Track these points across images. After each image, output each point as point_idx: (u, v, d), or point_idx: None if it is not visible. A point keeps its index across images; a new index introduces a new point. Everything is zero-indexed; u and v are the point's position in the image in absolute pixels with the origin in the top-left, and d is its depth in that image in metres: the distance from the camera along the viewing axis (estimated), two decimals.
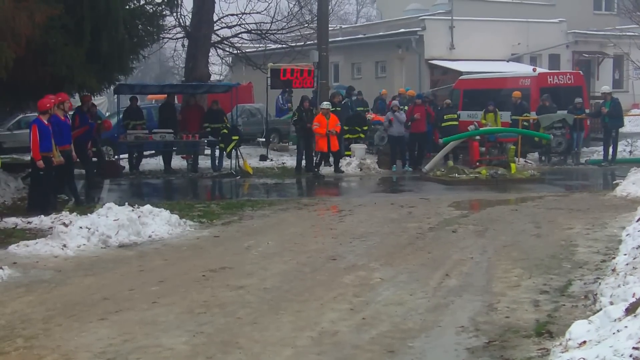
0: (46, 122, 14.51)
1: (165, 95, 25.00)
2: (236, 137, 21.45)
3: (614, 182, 18.05)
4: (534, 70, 27.17)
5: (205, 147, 23.08)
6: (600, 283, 8.44)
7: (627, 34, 36.03)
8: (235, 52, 28.81)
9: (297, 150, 22.91)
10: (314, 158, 22.01)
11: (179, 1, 22.77)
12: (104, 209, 12.45)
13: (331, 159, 22.21)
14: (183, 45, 26.81)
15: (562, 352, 6.04)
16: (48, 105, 14.62)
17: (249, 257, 10.99)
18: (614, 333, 5.68)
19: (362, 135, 23.89)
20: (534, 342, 7.07)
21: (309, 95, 24.33)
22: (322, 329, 7.59)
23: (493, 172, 20.03)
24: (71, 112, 17.90)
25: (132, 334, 7.45)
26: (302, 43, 28.31)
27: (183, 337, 7.32)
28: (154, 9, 19.99)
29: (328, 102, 22.54)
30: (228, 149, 21.43)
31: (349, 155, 22.90)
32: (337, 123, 21.83)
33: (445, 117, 24.03)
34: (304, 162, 22.35)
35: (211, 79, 28.21)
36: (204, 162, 22.85)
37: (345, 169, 22.17)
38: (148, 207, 13.05)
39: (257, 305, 8.42)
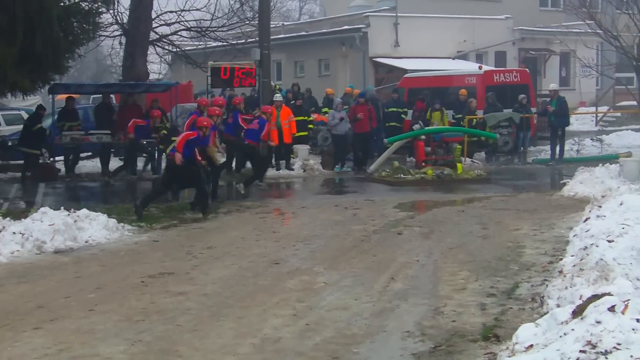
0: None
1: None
2: (175, 138, 21.04)
3: (562, 182, 18.12)
4: (480, 67, 27.22)
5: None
6: (547, 285, 8.45)
7: (574, 30, 36.02)
8: (175, 50, 28.39)
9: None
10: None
11: None
12: (38, 214, 12.13)
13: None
14: (120, 44, 26.30)
15: (509, 356, 6.04)
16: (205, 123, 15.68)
17: (189, 262, 10.77)
18: (560, 336, 5.64)
19: (311, 126, 23.96)
20: (480, 347, 7.02)
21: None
22: (265, 335, 7.45)
23: (439, 173, 19.91)
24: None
25: (68, 343, 7.26)
26: (244, 41, 28.05)
27: (121, 346, 7.15)
28: (90, 6, 19.45)
29: (279, 95, 22.44)
30: (167, 150, 21.00)
31: (292, 157, 22.68)
32: (291, 116, 21.65)
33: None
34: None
35: (150, 78, 27.80)
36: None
37: (288, 170, 21.95)
38: (84, 211, 12.77)
39: (198, 311, 8.27)
